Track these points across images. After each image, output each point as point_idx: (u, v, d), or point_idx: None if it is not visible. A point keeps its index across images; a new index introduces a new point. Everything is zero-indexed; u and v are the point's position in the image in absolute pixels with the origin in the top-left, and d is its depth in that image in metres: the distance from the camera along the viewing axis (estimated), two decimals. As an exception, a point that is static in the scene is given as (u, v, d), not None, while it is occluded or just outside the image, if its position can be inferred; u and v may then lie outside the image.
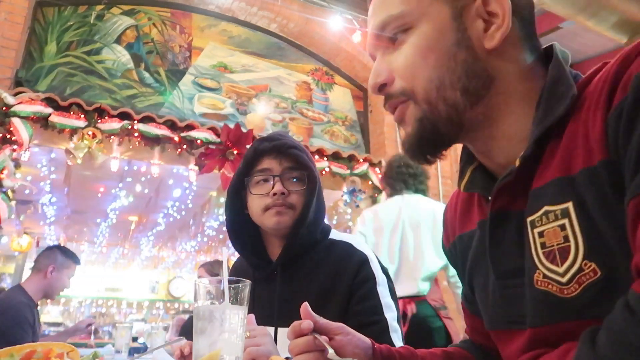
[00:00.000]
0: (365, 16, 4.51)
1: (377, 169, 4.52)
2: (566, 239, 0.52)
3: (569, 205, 0.52)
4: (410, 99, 0.61)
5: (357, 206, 4.45)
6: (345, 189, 4.38)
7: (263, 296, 1.12)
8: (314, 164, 1.16)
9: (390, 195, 2.59)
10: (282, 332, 1.06)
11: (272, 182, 1.11)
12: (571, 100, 0.55)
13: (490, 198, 0.63)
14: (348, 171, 4.37)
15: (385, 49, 0.64)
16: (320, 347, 0.65)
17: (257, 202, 1.12)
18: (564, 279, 0.52)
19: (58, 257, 2.54)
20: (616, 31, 3.72)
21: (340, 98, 5.02)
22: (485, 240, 0.64)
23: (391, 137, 4.80)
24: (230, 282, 0.75)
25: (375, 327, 1.01)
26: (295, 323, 0.66)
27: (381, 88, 0.64)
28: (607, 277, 0.49)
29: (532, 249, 0.56)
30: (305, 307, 0.67)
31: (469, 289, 0.75)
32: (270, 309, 1.09)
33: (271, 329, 1.06)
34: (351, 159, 4.46)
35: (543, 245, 0.55)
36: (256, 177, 1.13)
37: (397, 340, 1.02)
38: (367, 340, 0.72)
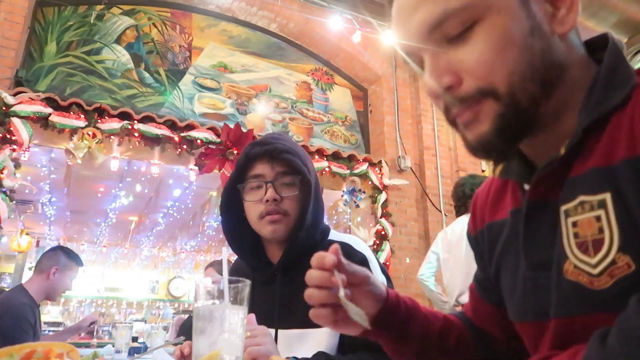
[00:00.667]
0: (366, 16, 4.52)
1: (376, 169, 4.52)
2: (601, 230, 0.51)
3: (607, 196, 0.50)
4: (489, 96, 0.55)
5: (357, 206, 4.45)
6: (345, 189, 4.38)
7: (263, 298, 1.12)
8: (310, 166, 1.14)
9: (457, 215, 3.03)
10: (283, 334, 1.06)
11: (264, 189, 1.09)
12: (632, 90, 0.52)
13: (526, 186, 0.61)
14: (348, 171, 4.37)
15: (438, 46, 0.57)
16: (334, 284, 0.61)
17: (251, 209, 1.11)
18: (596, 271, 0.51)
19: (61, 258, 2.54)
20: (616, 31, 3.72)
21: (340, 98, 5.02)
22: (519, 229, 0.62)
23: (391, 137, 4.80)
24: (230, 282, 0.75)
25: None
26: (320, 254, 0.63)
27: (446, 91, 0.57)
28: None
29: (564, 238, 0.55)
30: (336, 246, 0.63)
31: (494, 278, 0.73)
32: (271, 311, 1.08)
33: (271, 331, 1.05)
34: (351, 159, 4.46)
35: (576, 235, 0.53)
36: (249, 184, 1.12)
37: None
38: (383, 288, 0.70)
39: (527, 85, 0.54)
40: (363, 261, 1.08)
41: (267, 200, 1.07)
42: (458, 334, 0.77)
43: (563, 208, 0.55)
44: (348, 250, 1.11)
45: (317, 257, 0.63)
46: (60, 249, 2.65)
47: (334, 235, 1.18)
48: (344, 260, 0.63)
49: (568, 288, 0.54)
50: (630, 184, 0.49)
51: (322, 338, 1.02)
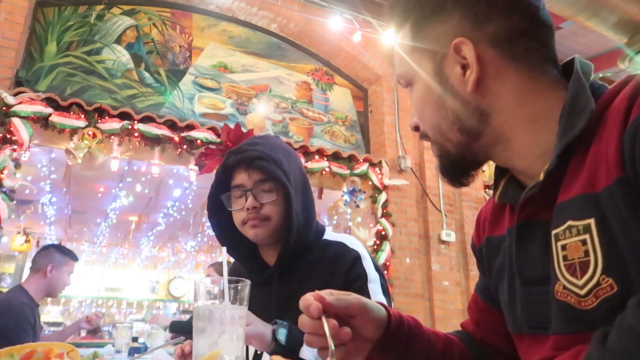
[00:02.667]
0: (366, 16, 4.52)
1: (377, 169, 4.52)
2: (586, 253, 0.54)
3: (591, 221, 0.54)
4: (429, 139, 0.71)
5: (357, 206, 4.45)
6: (345, 189, 4.38)
7: (260, 299, 1.12)
8: (289, 169, 1.13)
9: None
10: None
11: (245, 197, 1.11)
12: (590, 115, 0.56)
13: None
14: (348, 171, 4.37)
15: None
16: (323, 335, 0.61)
17: (236, 216, 1.14)
18: (582, 292, 0.54)
19: (55, 255, 2.54)
20: (616, 31, 3.72)
21: (341, 98, 5.02)
22: (512, 247, 0.67)
23: (391, 137, 4.80)
24: (230, 282, 0.75)
25: None
26: (306, 300, 0.63)
27: (416, 128, 0.73)
28: (623, 292, 0.50)
29: (554, 260, 0.58)
30: (317, 293, 0.64)
31: (493, 289, 0.76)
32: (268, 312, 1.09)
33: None
34: (351, 159, 4.46)
35: (565, 258, 0.57)
36: (232, 193, 1.14)
37: None
38: (383, 311, 0.70)
39: (449, 135, 0.67)
40: (356, 259, 1.10)
41: (248, 209, 1.09)
42: (459, 352, 0.80)
43: (554, 232, 0.59)
44: (342, 249, 1.13)
45: (304, 304, 0.63)
46: (53, 247, 2.65)
47: (329, 235, 1.20)
48: (331, 299, 0.63)
49: (559, 307, 0.57)
50: (611, 211, 0.52)
51: None
